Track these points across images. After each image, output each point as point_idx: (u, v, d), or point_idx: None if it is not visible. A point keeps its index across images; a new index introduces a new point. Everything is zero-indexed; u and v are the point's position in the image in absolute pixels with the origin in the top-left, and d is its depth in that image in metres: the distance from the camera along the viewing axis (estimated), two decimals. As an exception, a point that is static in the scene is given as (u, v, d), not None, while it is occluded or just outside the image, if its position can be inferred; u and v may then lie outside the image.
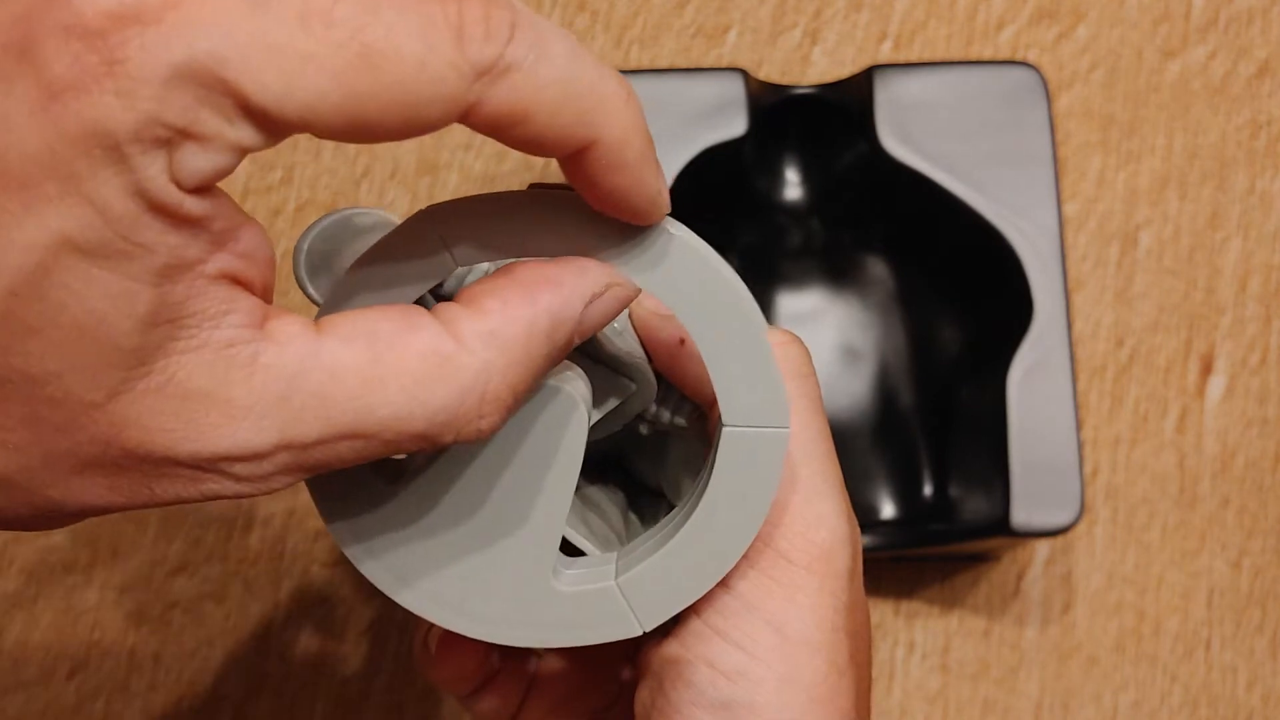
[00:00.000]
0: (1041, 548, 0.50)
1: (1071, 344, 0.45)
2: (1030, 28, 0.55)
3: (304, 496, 0.50)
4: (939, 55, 0.55)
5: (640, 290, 0.26)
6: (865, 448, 0.50)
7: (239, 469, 0.21)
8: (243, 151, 0.19)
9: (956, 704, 0.49)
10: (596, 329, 0.25)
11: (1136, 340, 0.53)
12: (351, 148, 0.53)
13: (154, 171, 0.19)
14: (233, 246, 0.20)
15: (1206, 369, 0.52)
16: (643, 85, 0.46)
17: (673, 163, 0.46)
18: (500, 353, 0.22)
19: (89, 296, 0.19)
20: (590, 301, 0.24)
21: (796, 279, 0.51)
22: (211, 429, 0.20)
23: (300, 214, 0.53)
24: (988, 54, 0.55)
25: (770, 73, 0.54)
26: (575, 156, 0.22)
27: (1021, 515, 0.44)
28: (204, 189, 0.19)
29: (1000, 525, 0.44)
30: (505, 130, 0.21)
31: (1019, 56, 0.55)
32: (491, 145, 0.54)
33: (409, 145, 0.53)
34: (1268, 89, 0.55)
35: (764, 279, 0.51)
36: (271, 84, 0.19)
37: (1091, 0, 0.56)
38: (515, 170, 0.53)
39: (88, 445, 0.20)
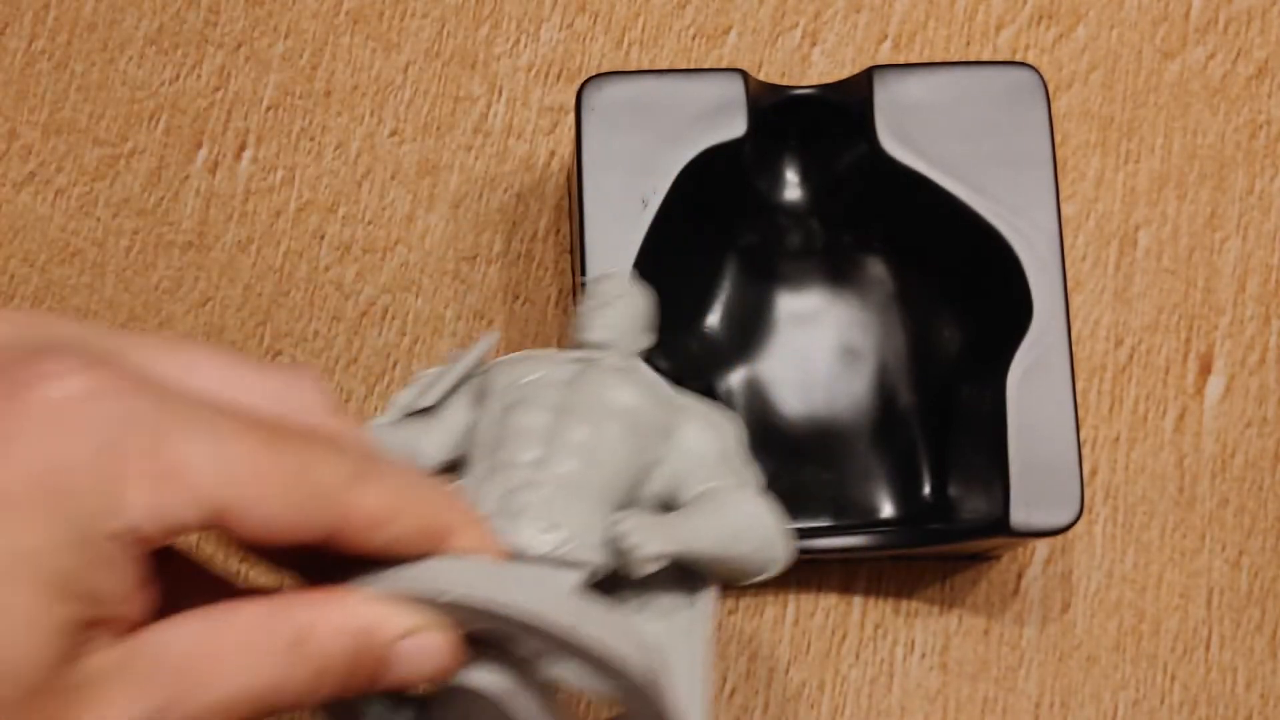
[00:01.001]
0: (1041, 547, 0.51)
1: (1071, 344, 0.45)
2: (1029, 28, 0.56)
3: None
4: (939, 56, 0.55)
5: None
6: (865, 448, 0.50)
7: None
8: (177, 520, 0.24)
9: (956, 703, 0.49)
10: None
11: (1135, 340, 0.53)
12: (353, 148, 0.54)
13: (100, 518, 0.23)
14: None
15: (1205, 369, 0.52)
16: (643, 86, 0.46)
17: (672, 164, 0.46)
18: None
19: (36, 614, 0.22)
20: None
21: (796, 279, 0.51)
22: None
23: (301, 214, 0.53)
24: (987, 55, 0.55)
25: (770, 73, 0.54)
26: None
27: (1021, 515, 0.44)
28: None
29: (999, 525, 0.44)
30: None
31: (1018, 57, 0.55)
32: (492, 146, 0.54)
33: (410, 146, 0.54)
34: (1267, 89, 0.55)
35: (764, 279, 0.51)
36: (209, 477, 0.24)
37: (1090, 1, 0.56)
38: (515, 170, 0.54)
39: None
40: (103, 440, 0.23)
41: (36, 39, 0.54)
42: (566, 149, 0.54)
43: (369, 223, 0.53)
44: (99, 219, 0.53)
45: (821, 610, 0.50)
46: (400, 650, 0.26)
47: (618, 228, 0.45)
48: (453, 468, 0.35)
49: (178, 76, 0.54)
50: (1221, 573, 0.51)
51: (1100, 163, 0.54)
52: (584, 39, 0.55)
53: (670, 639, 0.33)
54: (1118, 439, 0.52)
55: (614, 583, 0.32)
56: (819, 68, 0.55)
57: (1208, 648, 0.50)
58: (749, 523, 0.34)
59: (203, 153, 0.53)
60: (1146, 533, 0.51)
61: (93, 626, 0.23)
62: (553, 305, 0.52)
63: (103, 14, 0.54)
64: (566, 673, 0.28)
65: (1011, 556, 0.50)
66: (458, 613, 0.26)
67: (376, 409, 0.51)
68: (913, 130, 0.46)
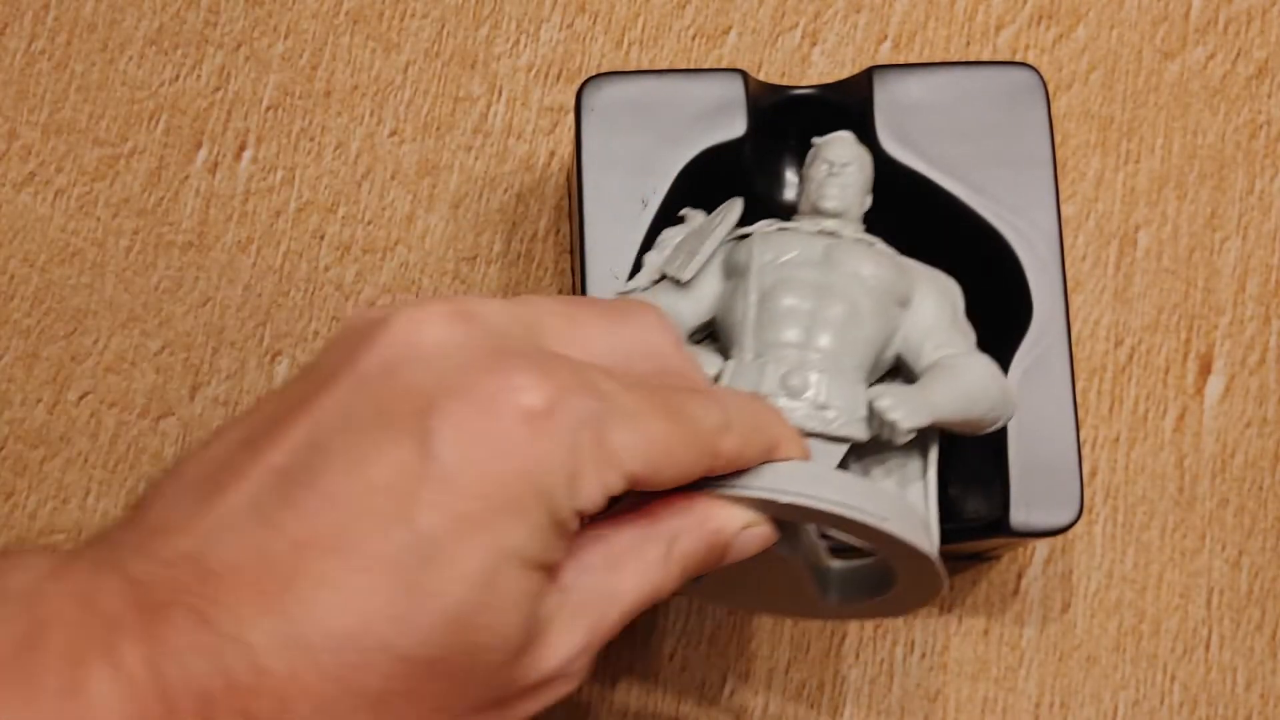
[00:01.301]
0: (1041, 547, 0.51)
1: (1071, 345, 0.45)
2: (1029, 28, 0.56)
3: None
4: (938, 56, 0.55)
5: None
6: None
7: (575, 668, 0.29)
8: (610, 494, 0.28)
9: (956, 703, 0.49)
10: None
11: (1135, 340, 0.53)
12: (353, 148, 0.54)
13: (565, 505, 0.27)
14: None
15: (1205, 369, 0.52)
16: (642, 86, 0.46)
17: (672, 164, 0.46)
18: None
19: (519, 592, 0.27)
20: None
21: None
22: (551, 656, 0.28)
23: (301, 214, 0.53)
24: (987, 55, 0.55)
25: (770, 73, 0.54)
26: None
27: (1020, 515, 0.44)
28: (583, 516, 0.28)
29: (999, 525, 0.44)
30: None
31: (1018, 57, 0.55)
32: (493, 146, 0.54)
33: (410, 146, 0.54)
34: (1267, 89, 0.55)
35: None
36: (633, 455, 0.28)
37: (1090, 1, 0.56)
38: (516, 170, 0.54)
39: (487, 695, 0.27)
40: (569, 444, 0.27)
41: (36, 39, 0.54)
42: (566, 149, 0.54)
43: (369, 223, 0.53)
44: (99, 219, 0.53)
45: (821, 610, 0.50)
46: (740, 540, 0.31)
47: (618, 227, 0.45)
48: (704, 328, 0.40)
49: (178, 76, 0.54)
50: (1221, 573, 0.51)
51: (1100, 163, 0.54)
52: (584, 39, 0.55)
53: (903, 485, 0.38)
54: (1118, 439, 0.52)
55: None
56: (819, 68, 0.55)
57: (1208, 648, 0.50)
58: (984, 385, 0.39)
59: (202, 153, 0.53)
60: (1146, 533, 0.51)
61: (545, 585, 0.28)
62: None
63: (103, 14, 0.55)
64: (841, 536, 0.33)
65: (1011, 557, 0.50)
66: (780, 508, 0.32)
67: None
68: (912, 130, 0.46)
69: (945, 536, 0.40)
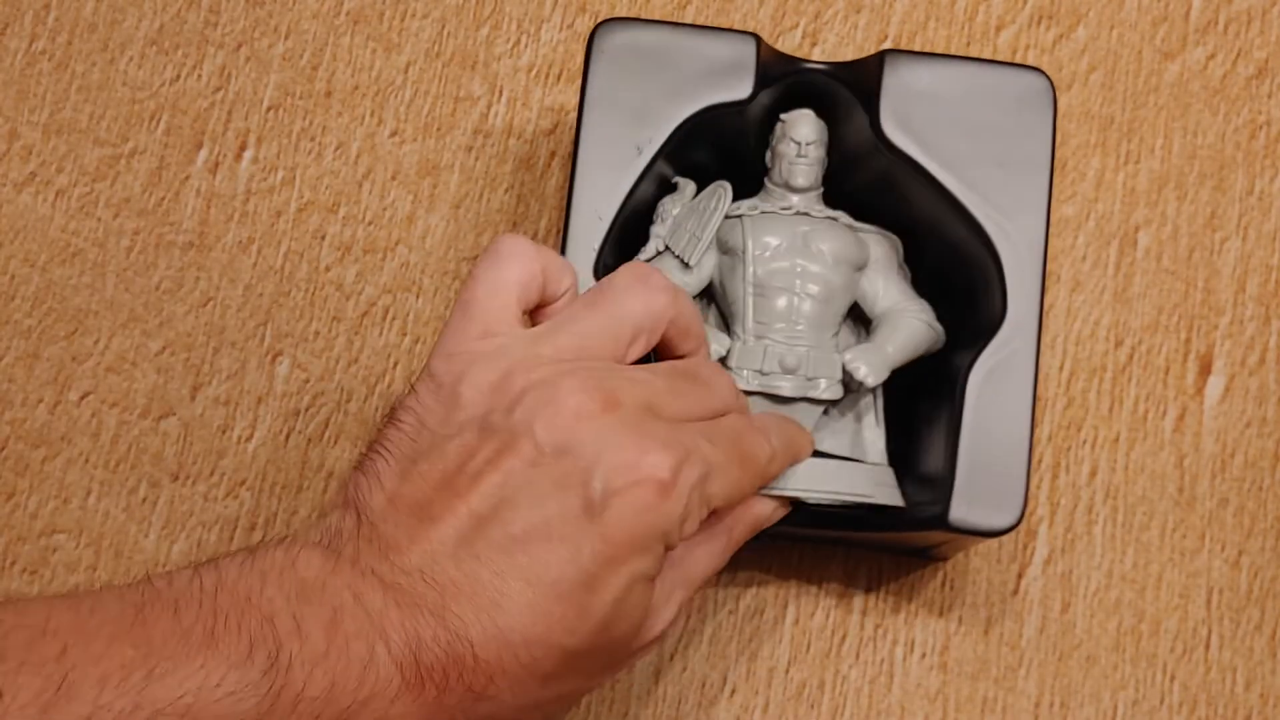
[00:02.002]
0: (1041, 547, 0.51)
1: (1039, 352, 0.45)
2: (1030, 29, 0.56)
3: (306, 497, 0.51)
4: (939, 56, 0.55)
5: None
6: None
7: (671, 629, 0.41)
8: (700, 521, 0.39)
9: (956, 703, 0.49)
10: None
11: (1135, 340, 0.53)
12: (354, 148, 0.54)
13: (675, 538, 0.38)
14: None
15: (1205, 369, 0.52)
16: (656, 35, 0.46)
17: (671, 117, 0.46)
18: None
19: (643, 598, 0.38)
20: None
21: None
22: (656, 627, 0.40)
23: (302, 214, 0.53)
24: (988, 55, 0.55)
25: (770, 74, 0.54)
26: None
27: (960, 512, 0.44)
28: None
29: (938, 520, 0.44)
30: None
31: (1018, 58, 0.55)
32: (493, 146, 0.54)
33: (411, 146, 0.54)
34: (1267, 90, 0.55)
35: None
36: (720, 497, 0.39)
37: (1090, 1, 0.56)
38: (516, 171, 0.54)
39: (617, 659, 0.39)
40: (684, 502, 0.38)
41: (37, 39, 0.54)
42: (567, 150, 0.54)
43: (369, 223, 0.53)
44: (100, 219, 0.53)
45: (821, 610, 0.50)
46: (769, 520, 0.43)
47: (609, 172, 0.46)
48: (704, 292, 0.48)
49: (178, 77, 0.54)
50: (1221, 573, 0.51)
51: (1100, 163, 0.54)
52: (584, 40, 0.55)
53: (859, 419, 0.48)
54: (1118, 439, 0.52)
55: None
56: (819, 68, 0.55)
57: (1207, 648, 0.50)
58: (924, 332, 0.47)
59: (203, 153, 0.53)
60: (1146, 533, 0.51)
61: (654, 586, 0.39)
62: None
63: (103, 14, 0.55)
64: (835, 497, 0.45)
65: (1012, 556, 0.50)
66: (802, 497, 0.44)
67: (377, 409, 0.51)
68: (916, 118, 0.46)
69: (880, 525, 0.46)
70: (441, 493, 0.36)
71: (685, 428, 0.39)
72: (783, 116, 0.48)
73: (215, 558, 0.36)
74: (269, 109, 0.54)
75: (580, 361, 0.38)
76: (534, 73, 0.55)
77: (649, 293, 0.40)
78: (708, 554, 0.41)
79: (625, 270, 0.41)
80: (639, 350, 0.41)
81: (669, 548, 0.38)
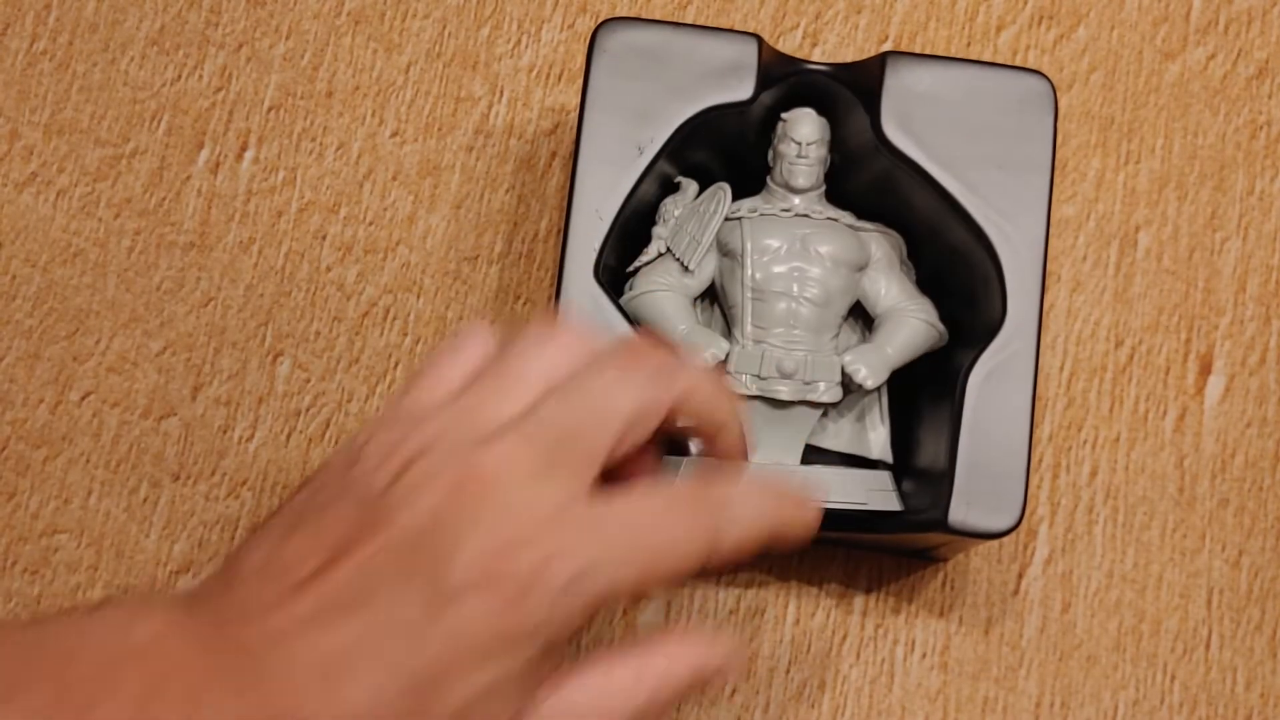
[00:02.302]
0: (1041, 547, 0.51)
1: (1039, 354, 0.45)
2: (1030, 29, 0.56)
3: (307, 496, 0.51)
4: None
5: None
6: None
7: None
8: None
9: (956, 703, 0.49)
10: None
11: (1135, 340, 0.53)
12: (355, 148, 0.54)
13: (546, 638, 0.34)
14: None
15: (1205, 369, 0.52)
16: (658, 35, 0.47)
17: (673, 117, 0.46)
18: None
19: (502, 708, 0.34)
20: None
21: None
22: None
23: (303, 215, 0.53)
24: (988, 56, 0.55)
25: (771, 74, 0.54)
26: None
27: (959, 514, 0.44)
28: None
29: (937, 522, 0.44)
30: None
31: (1018, 58, 0.55)
32: (494, 147, 0.54)
33: (412, 147, 0.54)
34: (1267, 90, 0.55)
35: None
36: (605, 590, 0.35)
37: (1091, 2, 0.56)
38: (517, 171, 0.54)
39: None
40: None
41: (38, 39, 0.54)
42: (568, 150, 0.54)
43: (370, 223, 0.53)
44: (101, 219, 0.53)
45: (821, 610, 0.50)
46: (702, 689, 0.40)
47: (610, 170, 0.46)
48: (706, 293, 0.48)
49: (179, 77, 0.54)
50: (1221, 573, 0.51)
51: (1100, 163, 0.54)
52: (585, 39, 0.55)
53: (862, 416, 0.48)
54: (1118, 439, 0.52)
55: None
56: (820, 68, 0.55)
57: (1208, 648, 0.50)
58: (925, 332, 0.47)
59: (204, 153, 0.54)
60: (1146, 533, 0.51)
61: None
62: (554, 305, 0.52)
63: (104, 14, 0.55)
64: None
65: (1012, 556, 0.51)
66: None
67: (378, 410, 0.51)
68: (917, 120, 0.46)
69: (880, 526, 0.46)
70: (306, 564, 0.34)
71: (571, 509, 0.35)
72: (784, 116, 0.48)
73: (61, 611, 0.35)
74: (270, 109, 0.54)
75: (478, 426, 0.35)
76: (535, 73, 0.55)
77: (555, 350, 0.37)
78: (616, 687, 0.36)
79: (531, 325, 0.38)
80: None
81: (550, 644, 0.34)
